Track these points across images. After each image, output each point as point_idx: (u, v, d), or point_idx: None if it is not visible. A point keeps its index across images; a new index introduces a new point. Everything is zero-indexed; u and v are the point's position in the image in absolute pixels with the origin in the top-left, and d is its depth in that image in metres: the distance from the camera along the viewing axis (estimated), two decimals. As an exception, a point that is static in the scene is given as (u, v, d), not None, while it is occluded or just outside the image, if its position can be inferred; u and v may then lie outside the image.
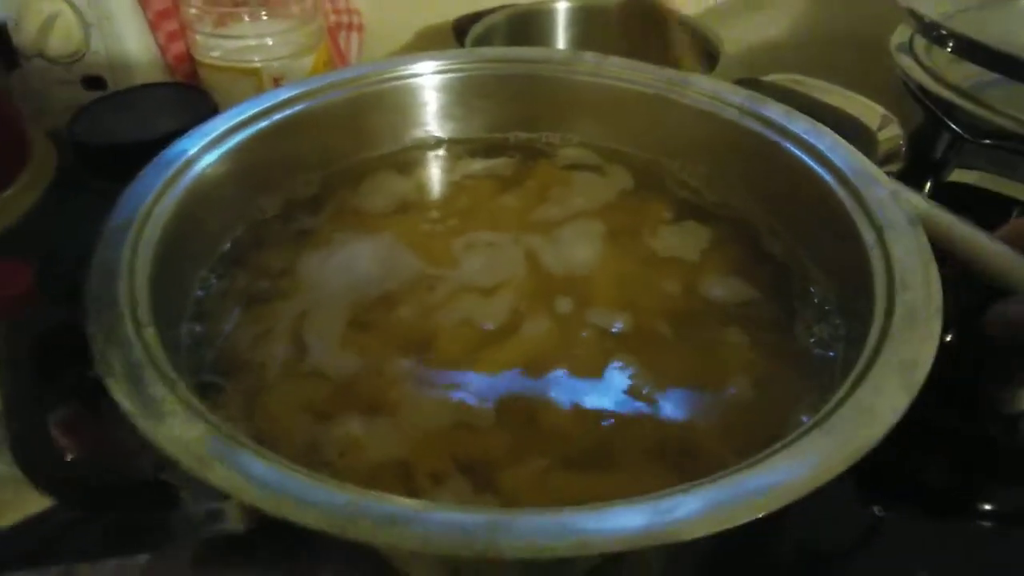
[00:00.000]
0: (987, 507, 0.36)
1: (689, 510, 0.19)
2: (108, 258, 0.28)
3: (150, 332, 0.26)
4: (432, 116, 0.41)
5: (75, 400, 0.30)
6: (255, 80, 0.52)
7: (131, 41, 0.51)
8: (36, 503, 0.22)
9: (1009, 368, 0.36)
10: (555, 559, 0.18)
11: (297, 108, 0.37)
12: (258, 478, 0.20)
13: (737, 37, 0.59)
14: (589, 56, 0.41)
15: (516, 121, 0.42)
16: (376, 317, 0.32)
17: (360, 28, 0.64)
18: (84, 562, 0.31)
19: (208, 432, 0.21)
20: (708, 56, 0.51)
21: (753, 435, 0.26)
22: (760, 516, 0.19)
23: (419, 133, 0.42)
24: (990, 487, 0.37)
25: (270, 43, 0.52)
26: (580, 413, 0.28)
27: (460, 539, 0.19)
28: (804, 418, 0.24)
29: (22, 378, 0.25)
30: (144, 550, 0.30)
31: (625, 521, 0.19)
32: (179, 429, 0.21)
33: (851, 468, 0.20)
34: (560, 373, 0.30)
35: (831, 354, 0.29)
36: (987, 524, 0.36)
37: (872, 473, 0.35)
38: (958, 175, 0.40)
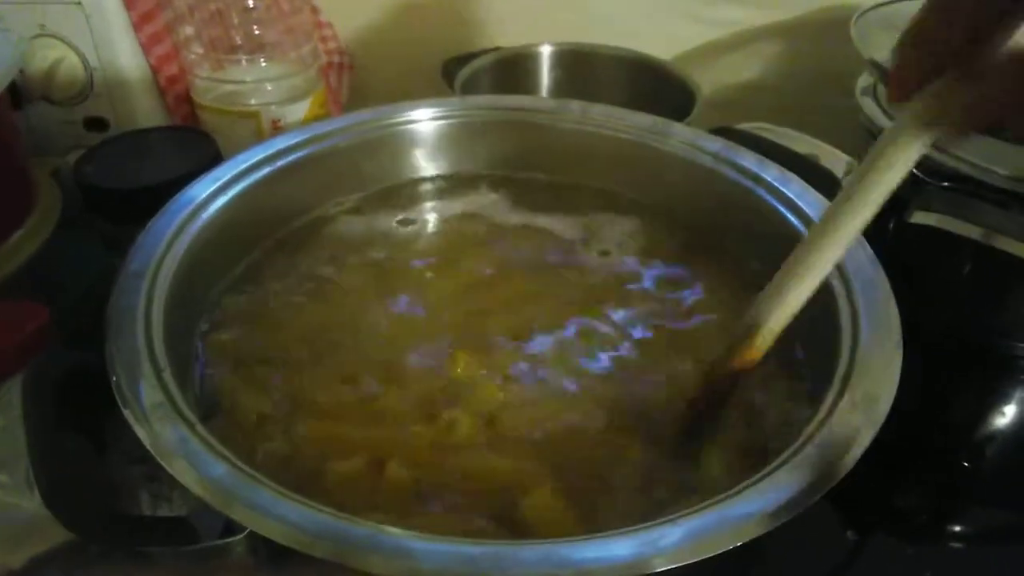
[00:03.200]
0: (958, 528, 0.38)
1: (673, 540, 0.21)
2: (126, 305, 0.30)
3: (167, 375, 0.27)
4: (426, 159, 0.44)
5: (82, 438, 0.31)
6: (254, 123, 0.54)
7: (133, 84, 0.53)
8: (61, 536, 0.23)
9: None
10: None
11: (300, 154, 0.40)
12: (277, 514, 0.22)
13: (711, 79, 0.62)
14: (575, 105, 0.43)
15: (508, 164, 0.44)
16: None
17: (350, 68, 0.67)
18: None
19: (230, 471, 0.23)
20: (684, 100, 0.54)
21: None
22: (739, 544, 0.21)
23: (414, 175, 0.44)
24: (961, 509, 0.39)
25: (268, 88, 0.54)
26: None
27: (468, 569, 0.20)
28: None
29: (47, 424, 0.26)
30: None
31: (616, 551, 0.21)
32: (203, 468, 0.23)
33: (827, 494, 0.22)
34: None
35: (808, 386, 0.32)
36: (959, 545, 0.38)
37: (848, 500, 0.37)
38: (919, 217, 0.42)
